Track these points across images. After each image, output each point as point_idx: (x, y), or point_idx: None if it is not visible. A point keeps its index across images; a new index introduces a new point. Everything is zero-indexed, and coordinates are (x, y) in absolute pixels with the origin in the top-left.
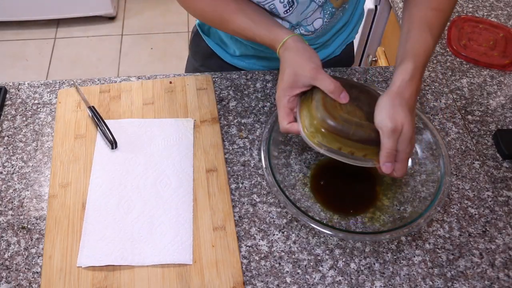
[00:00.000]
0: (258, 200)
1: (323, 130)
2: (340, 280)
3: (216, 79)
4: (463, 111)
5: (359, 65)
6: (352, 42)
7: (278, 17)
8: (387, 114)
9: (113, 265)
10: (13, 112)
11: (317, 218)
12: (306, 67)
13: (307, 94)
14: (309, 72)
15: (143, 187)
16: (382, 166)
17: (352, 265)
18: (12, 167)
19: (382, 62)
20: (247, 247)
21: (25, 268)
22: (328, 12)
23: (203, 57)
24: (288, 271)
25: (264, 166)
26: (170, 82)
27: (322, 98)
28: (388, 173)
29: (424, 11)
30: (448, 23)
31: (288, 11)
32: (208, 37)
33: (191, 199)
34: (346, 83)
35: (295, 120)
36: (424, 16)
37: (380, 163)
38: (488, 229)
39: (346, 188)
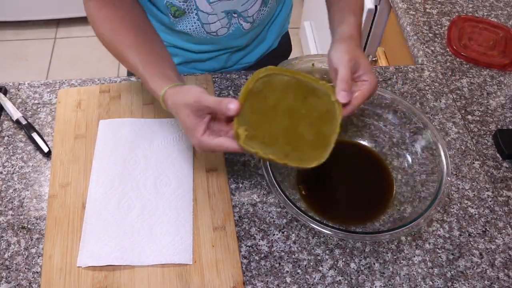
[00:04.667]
0: (258, 200)
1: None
2: (340, 280)
3: (216, 79)
4: (463, 111)
5: None
6: (288, 32)
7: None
8: (343, 50)
9: (113, 265)
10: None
11: (317, 218)
12: (191, 99)
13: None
14: (194, 100)
15: (143, 187)
16: (338, 95)
17: (352, 265)
18: (12, 167)
19: (382, 62)
20: (247, 247)
21: (25, 268)
22: (263, 1)
23: None
24: (288, 271)
25: (264, 166)
26: None
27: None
28: (345, 101)
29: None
30: (448, 23)
31: None
32: None
33: (191, 199)
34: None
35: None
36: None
37: (336, 92)
38: (488, 229)
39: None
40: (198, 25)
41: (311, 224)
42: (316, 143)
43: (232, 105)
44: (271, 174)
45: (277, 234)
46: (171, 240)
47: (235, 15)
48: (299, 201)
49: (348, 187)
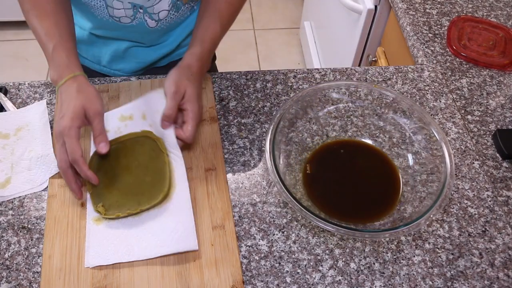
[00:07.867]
0: (258, 200)
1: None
2: (340, 279)
3: (216, 79)
4: (462, 111)
5: (359, 65)
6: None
7: None
8: (172, 81)
9: (113, 265)
10: None
11: (318, 214)
12: (97, 109)
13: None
14: (94, 112)
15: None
16: (162, 124)
17: (352, 264)
18: None
19: (382, 62)
20: (247, 247)
21: (25, 268)
22: (175, 5)
23: None
24: (288, 271)
25: (269, 166)
26: None
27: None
28: (165, 128)
29: (218, 3)
30: (448, 23)
31: None
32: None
33: (186, 185)
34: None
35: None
36: (217, 7)
37: (161, 123)
38: (487, 229)
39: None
40: (103, 4)
41: (314, 221)
42: (155, 180)
43: (102, 149)
44: (276, 173)
45: (277, 234)
46: (174, 228)
47: (141, 10)
48: (299, 201)
49: (353, 186)
